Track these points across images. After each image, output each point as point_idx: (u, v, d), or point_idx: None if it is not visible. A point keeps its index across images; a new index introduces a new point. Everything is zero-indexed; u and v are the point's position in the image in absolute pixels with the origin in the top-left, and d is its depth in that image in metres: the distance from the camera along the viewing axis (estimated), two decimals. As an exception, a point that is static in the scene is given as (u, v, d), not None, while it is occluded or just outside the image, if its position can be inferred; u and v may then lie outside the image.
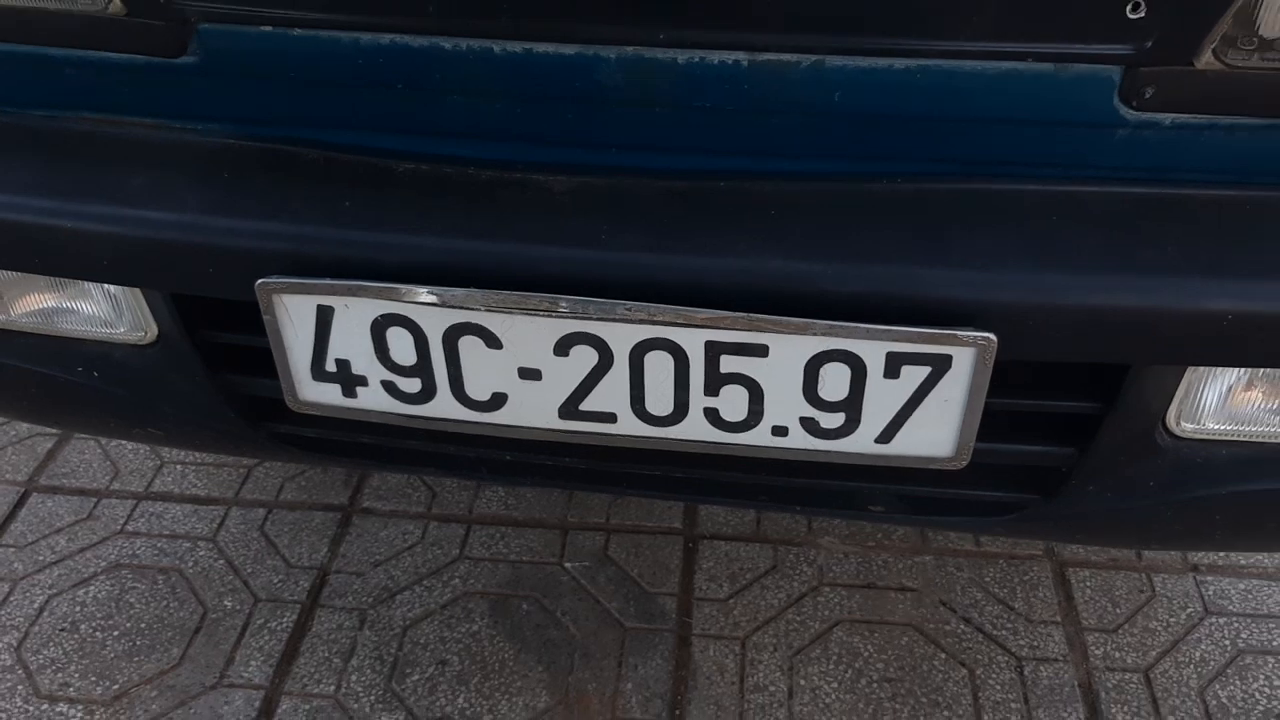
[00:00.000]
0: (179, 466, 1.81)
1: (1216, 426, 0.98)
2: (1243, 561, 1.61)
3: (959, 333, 0.86)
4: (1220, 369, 0.94)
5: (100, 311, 1.10)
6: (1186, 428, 0.98)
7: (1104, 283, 0.87)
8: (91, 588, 1.61)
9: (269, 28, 0.91)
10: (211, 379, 1.08)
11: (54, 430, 1.87)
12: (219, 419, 1.12)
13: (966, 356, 0.88)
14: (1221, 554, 1.62)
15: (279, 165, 0.98)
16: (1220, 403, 0.97)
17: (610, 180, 0.95)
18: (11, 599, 1.60)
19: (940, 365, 0.89)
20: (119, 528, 1.71)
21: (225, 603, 1.59)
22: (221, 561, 1.65)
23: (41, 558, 1.66)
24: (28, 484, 1.79)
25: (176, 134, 1.01)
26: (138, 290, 1.05)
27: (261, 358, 1.03)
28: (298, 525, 1.71)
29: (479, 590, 1.60)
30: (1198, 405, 0.97)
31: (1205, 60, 0.81)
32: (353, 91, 0.95)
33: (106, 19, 0.93)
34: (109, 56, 0.96)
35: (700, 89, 0.88)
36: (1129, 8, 0.79)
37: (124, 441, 1.83)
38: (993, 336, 0.86)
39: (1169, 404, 0.96)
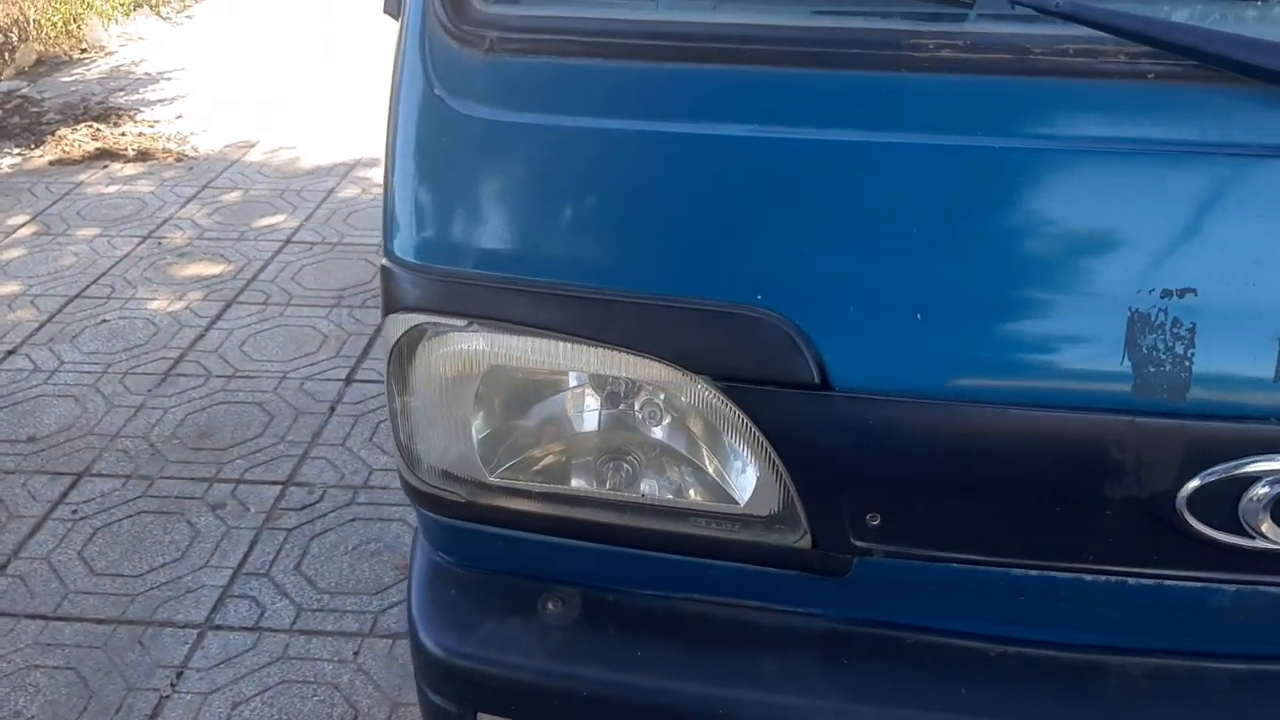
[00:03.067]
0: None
1: None
2: None
3: None
4: None
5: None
6: None
7: None
8: None
9: (923, 561, 1.11)
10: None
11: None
12: None
13: None
14: None
15: (895, 651, 1.15)
16: None
17: (1183, 663, 1.13)
18: None
19: None
20: None
21: None
22: None
23: None
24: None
25: (784, 617, 1.19)
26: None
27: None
28: None
29: None
30: None
31: None
32: (962, 594, 1.14)
33: (795, 549, 1.12)
34: (773, 570, 1.15)
35: None
36: None
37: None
38: None
39: None
